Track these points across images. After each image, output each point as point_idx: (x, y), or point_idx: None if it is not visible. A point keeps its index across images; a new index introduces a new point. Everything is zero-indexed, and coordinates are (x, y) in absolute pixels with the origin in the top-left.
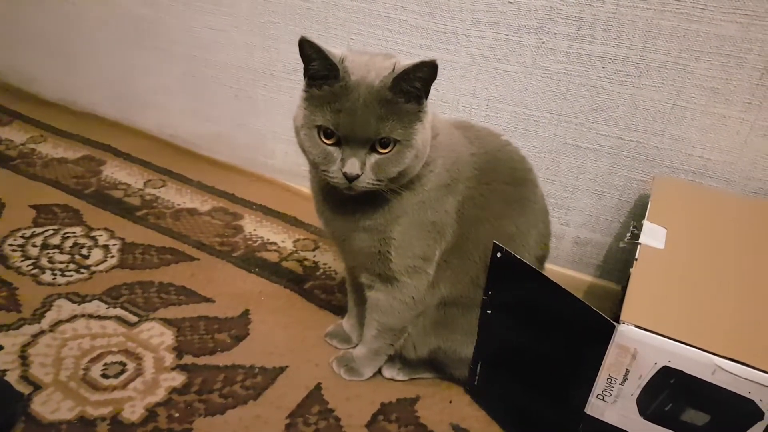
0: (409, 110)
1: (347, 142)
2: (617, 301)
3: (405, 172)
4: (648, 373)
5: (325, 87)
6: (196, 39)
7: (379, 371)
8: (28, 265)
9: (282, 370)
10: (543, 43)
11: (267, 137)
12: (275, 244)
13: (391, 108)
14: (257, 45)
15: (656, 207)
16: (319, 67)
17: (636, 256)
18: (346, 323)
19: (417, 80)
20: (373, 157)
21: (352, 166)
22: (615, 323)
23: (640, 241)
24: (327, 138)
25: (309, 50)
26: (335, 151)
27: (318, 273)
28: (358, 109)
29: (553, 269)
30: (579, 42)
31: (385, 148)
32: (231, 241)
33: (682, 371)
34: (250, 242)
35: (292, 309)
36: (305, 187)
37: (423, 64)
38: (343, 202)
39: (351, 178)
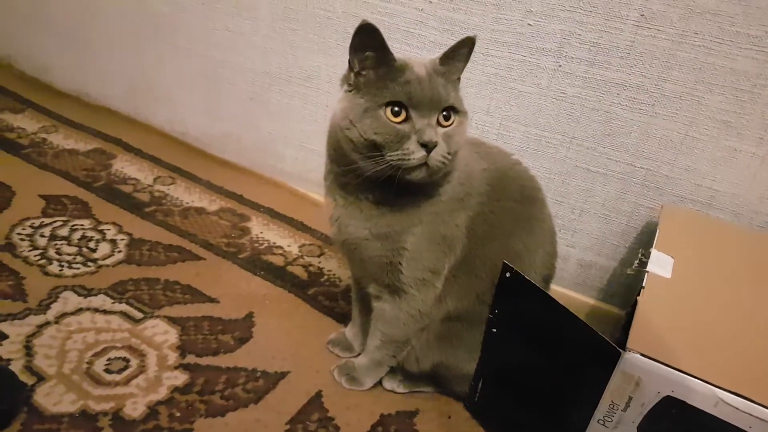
0: (457, 86)
1: (420, 111)
2: (619, 325)
3: (460, 147)
4: (650, 402)
5: (382, 70)
6: (213, 40)
7: (380, 382)
8: (35, 255)
9: (283, 375)
10: (560, 66)
11: (278, 141)
12: (281, 247)
13: (447, 79)
14: (275, 50)
15: (664, 236)
16: (374, 55)
17: (643, 284)
18: (349, 332)
19: (461, 56)
20: (441, 130)
21: (431, 132)
22: (621, 350)
23: (647, 269)
24: (395, 116)
25: (370, 37)
26: (407, 127)
27: (322, 279)
28: (426, 77)
29: (556, 290)
30: (595, 67)
31: (447, 120)
32: (237, 243)
33: (684, 402)
34: (256, 245)
35: (295, 314)
36: (313, 192)
37: (466, 39)
38: (360, 207)
39: (431, 147)
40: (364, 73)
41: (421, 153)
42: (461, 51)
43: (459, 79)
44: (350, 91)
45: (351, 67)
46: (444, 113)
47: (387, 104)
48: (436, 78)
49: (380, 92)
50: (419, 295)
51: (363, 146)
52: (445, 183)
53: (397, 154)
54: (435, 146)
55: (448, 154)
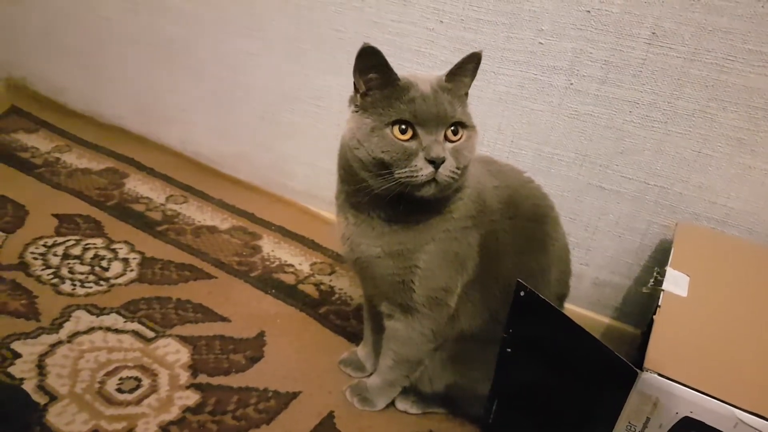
0: (464, 102)
1: (426, 128)
2: (635, 345)
3: (470, 162)
4: (669, 423)
5: (386, 90)
6: (225, 60)
7: (393, 403)
8: (48, 274)
9: (295, 395)
10: (571, 84)
11: (289, 160)
12: (292, 266)
13: (453, 95)
14: (286, 70)
15: (679, 254)
16: (378, 76)
17: (659, 303)
18: (361, 351)
19: (467, 71)
20: (449, 146)
21: (438, 149)
22: (638, 370)
23: (663, 287)
24: (402, 134)
25: (372, 59)
26: (414, 144)
27: (334, 298)
28: (431, 94)
29: (570, 309)
30: (607, 85)
31: (455, 135)
32: (249, 261)
33: (703, 422)
34: (267, 263)
35: (306, 333)
36: (324, 211)
37: (472, 54)
38: (372, 225)
39: (439, 162)
40: (369, 93)
41: (429, 169)
42: (467, 66)
43: (467, 94)
44: (357, 112)
45: (356, 89)
46: (452, 128)
47: (393, 123)
48: (442, 94)
49: (386, 111)
50: (432, 314)
51: (372, 165)
52: (457, 200)
53: (405, 172)
54: (443, 162)
55: (457, 168)
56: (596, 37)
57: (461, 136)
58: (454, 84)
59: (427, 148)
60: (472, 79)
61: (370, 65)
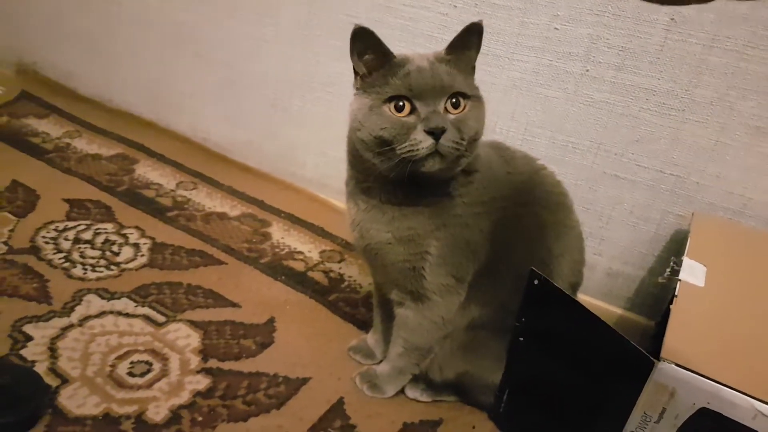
0: (470, 74)
1: (424, 100)
2: (647, 336)
3: (479, 134)
4: (685, 414)
5: (384, 69)
6: (235, 47)
7: (402, 390)
8: (59, 259)
9: (305, 381)
10: (587, 71)
11: (299, 147)
12: (302, 253)
13: (454, 66)
14: (297, 56)
15: (696, 244)
16: (374, 56)
17: (675, 293)
18: (371, 338)
19: (470, 43)
20: (450, 117)
21: (436, 118)
22: (655, 360)
23: (679, 277)
24: (399, 111)
25: (366, 40)
26: (412, 118)
27: (343, 285)
28: (427, 66)
29: (582, 299)
30: (624, 72)
31: (456, 107)
32: (259, 248)
33: (720, 414)
34: (277, 250)
35: (316, 320)
36: (334, 198)
37: (472, 25)
38: (382, 210)
39: (438, 133)
40: (368, 74)
41: (429, 141)
42: (469, 38)
43: (473, 68)
44: (358, 94)
45: (356, 72)
46: (452, 100)
47: (390, 99)
48: (439, 66)
49: (383, 89)
50: (443, 302)
51: (373, 144)
52: (467, 183)
53: (406, 146)
54: (443, 132)
55: (462, 139)
56: (613, 23)
57: (463, 107)
58: (455, 56)
59: (425, 120)
60: (477, 52)
61: (365, 46)
